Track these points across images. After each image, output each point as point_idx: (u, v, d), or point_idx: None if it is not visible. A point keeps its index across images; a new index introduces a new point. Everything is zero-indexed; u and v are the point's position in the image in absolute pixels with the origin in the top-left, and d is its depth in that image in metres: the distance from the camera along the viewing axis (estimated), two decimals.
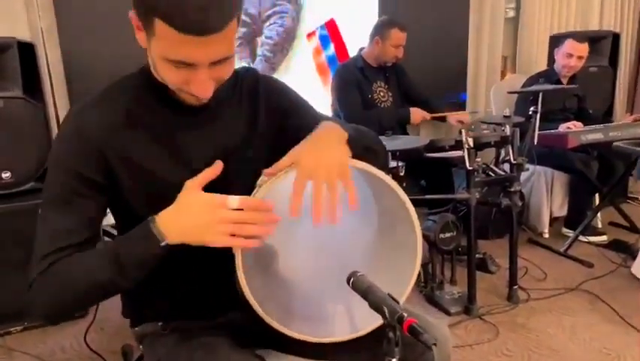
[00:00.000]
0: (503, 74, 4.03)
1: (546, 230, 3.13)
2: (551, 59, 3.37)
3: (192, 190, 0.83)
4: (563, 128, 2.98)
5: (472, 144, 2.16)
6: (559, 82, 3.21)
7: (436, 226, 2.26)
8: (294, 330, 0.86)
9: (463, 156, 2.17)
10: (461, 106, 3.75)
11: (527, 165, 2.40)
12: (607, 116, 3.65)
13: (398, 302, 0.74)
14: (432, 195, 2.50)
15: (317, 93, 3.44)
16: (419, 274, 2.43)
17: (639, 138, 2.69)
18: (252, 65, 3.29)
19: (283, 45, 3.37)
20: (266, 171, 0.86)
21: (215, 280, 0.96)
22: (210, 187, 0.84)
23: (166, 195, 0.83)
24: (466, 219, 2.24)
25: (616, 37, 3.75)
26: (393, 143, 2.26)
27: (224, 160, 0.90)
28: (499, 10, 3.80)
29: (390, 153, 2.24)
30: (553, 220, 3.20)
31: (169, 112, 0.94)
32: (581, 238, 2.95)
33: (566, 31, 3.80)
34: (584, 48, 3.13)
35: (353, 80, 2.93)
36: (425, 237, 2.30)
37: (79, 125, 0.88)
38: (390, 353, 0.73)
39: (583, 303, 2.34)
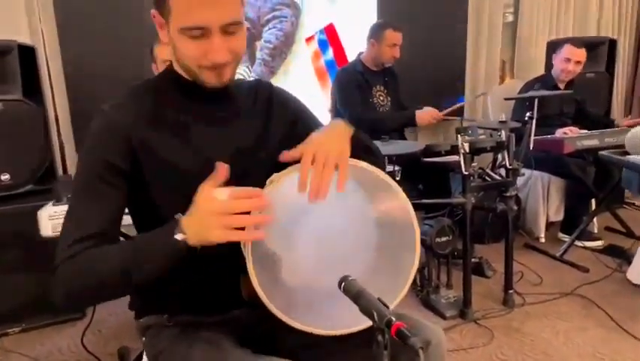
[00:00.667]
0: (502, 79, 4.05)
1: (542, 235, 3.15)
2: (549, 65, 3.39)
3: (200, 190, 0.86)
4: (559, 133, 3.00)
5: (468, 149, 2.17)
6: (556, 87, 3.22)
7: (432, 230, 2.28)
8: (297, 321, 0.89)
9: (460, 161, 2.19)
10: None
11: (523, 170, 2.41)
12: (607, 116, 3.66)
13: (387, 306, 0.76)
14: (428, 199, 2.52)
15: (315, 97, 3.46)
16: (415, 278, 2.47)
17: None
18: (250, 69, 3.32)
19: (282, 49, 3.39)
20: (281, 157, 0.93)
21: (222, 277, 1.00)
22: (222, 184, 0.88)
23: (185, 187, 0.88)
24: (462, 224, 2.26)
25: (613, 44, 3.77)
26: (389, 148, 2.27)
27: (238, 159, 0.99)
28: (498, 15, 3.82)
29: (386, 158, 2.26)
30: (549, 225, 3.22)
31: (191, 108, 1.01)
32: (577, 242, 2.97)
33: (564, 37, 3.83)
34: (581, 53, 3.16)
35: (354, 82, 2.95)
36: (421, 241, 2.31)
37: (108, 119, 0.95)
38: (379, 356, 0.74)
39: (578, 308, 2.35)
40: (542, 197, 3.15)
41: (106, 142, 0.94)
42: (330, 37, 3.50)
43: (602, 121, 3.33)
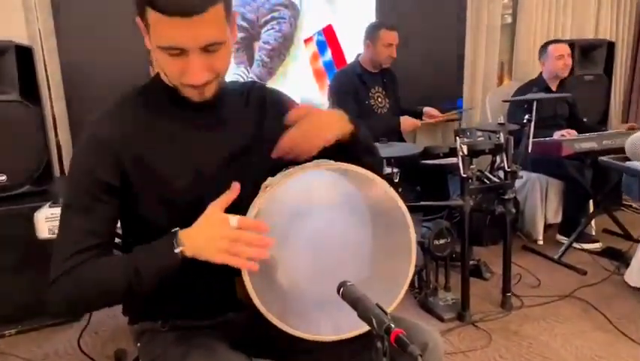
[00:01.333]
0: (500, 80, 4.05)
1: (540, 237, 3.14)
2: None
3: (210, 209, 0.88)
4: (557, 135, 3.01)
5: (466, 152, 2.17)
6: (548, 89, 3.28)
7: (430, 233, 2.27)
8: (289, 326, 0.89)
9: (458, 163, 2.19)
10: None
11: (521, 173, 2.41)
12: (601, 124, 3.67)
13: (386, 313, 0.75)
14: (427, 201, 2.52)
15: (314, 98, 3.45)
16: (413, 280, 2.47)
17: None
18: (249, 70, 3.32)
19: (281, 50, 3.39)
20: (273, 153, 0.96)
21: (217, 279, 0.99)
22: (216, 191, 0.89)
23: (175, 197, 0.89)
24: (461, 226, 2.26)
25: (611, 46, 3.78)
26: (388, 150, 2.27)
27: (230, 164, 0.98)
28: (496, 16, 3.82)
29: (385, 160, 2.26)
30: (547, 227, 3.22)
31: (180, 118, 0.99)
32: (575, 245, 2.97)
33: (562, 39, 3.83)
34: (566, 46, 3.28)
35: (350, 88, 2.95)
36: (420, 243, 2.32)
37: (95, 133, 0.94)
38: None
39: (576, 310, 2.35)
40: (540, 199, 3.15)
41: (94, 158, 0.93)
42: (328, 38, 3.50)
43: (595, 130, 3.34)
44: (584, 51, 3.64)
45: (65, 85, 2.72)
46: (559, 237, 3.14)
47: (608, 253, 2.90)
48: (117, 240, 1.00)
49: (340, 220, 1.00)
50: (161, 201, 0.94)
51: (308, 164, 0.95)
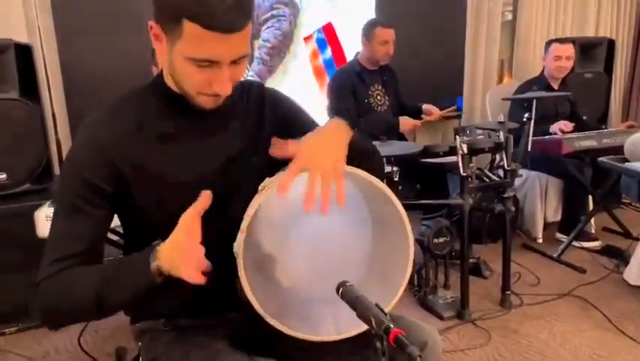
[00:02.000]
0: (500, 78, 4.05)
1: (540, 235, 3.15)
2: None
3: (183, 221, 0.86)
4: (553, 128, 3.01)
5: (466, 150, 2.17)
6: (549, 87, 3.27)
7: (430, 231, 2.28)
8: (287, 327, 0.89)
9: (458, 162, 2.19)
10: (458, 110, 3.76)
11: (521, 171, 2.41)
12: (601, 122, 3.67)
13: (385, 313, 0.75)
14: (426, 200, 2.52)
15: (314, 96, 3.46)
16: (413, 279, 2.48)
17: None
18: (249, 68, 3.31)
19: (280, 48, 3.38)
20: (272, 150, 0.95)
21: (218, 278, 0.98)
22: (216, 192, 0.89)
23: (176, 199, 0.88)
24: (460, 224, 2.26)
25: (611, 44, 3.77)
26: (388, 148, 2.27)
27: (230, 165, 0.98)
28: (497, 14, 3.82)
29: (385, 159, 2.26)
30: (546, 225, 3.22)
31: (179, 120, 0.99)
32: (575, 243, 2.97)
33: (563, 37, 3.83)
34: (569, 48, 3.23)
35: (349, 86, 2.95)
36: (419, 241, 2.32)
37: (91, 135, 0.93)
38: None
39: (575, 309, 2.36)
40: (540, 198, 3.15)
41: (88, 161, 0.92)
42: (328, 36, 3.50)
43: (594, 128, 3.33)
44: (584, 49, 3.64)
45: (65, 83, 2.72)
46: (558, 235, 3.14)
47: (608, 251, 2.91)
48: (118, 239, 1.01)
49: (339, 221, 1.00)
50: (160, 204, 0.94)
51: None
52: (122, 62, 2.71)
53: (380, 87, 3.07)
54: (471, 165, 2.22)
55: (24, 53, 2.19)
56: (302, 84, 3.45)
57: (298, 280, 1.00)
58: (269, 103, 1.10)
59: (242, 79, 0.94)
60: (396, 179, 2.28)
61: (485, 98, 3.60)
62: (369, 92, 3.01)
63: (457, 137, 2.21)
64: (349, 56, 3.36)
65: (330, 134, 0.97)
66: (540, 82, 3.28)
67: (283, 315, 0.90)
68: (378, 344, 0.74)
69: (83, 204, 0.90)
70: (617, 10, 4.23)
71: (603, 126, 3.53)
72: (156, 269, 0.84)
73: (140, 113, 0.97)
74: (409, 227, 0.92)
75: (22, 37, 2.43)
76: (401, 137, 3.03)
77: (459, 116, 3.67)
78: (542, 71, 3.36)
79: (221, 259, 0.88)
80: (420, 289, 2.43)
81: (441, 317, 2.27)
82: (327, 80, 3.34)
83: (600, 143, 2.81)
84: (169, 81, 0.98)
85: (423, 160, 2.56)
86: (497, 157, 2.64)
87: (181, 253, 0.84)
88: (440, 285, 2.43)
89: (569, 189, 3.09)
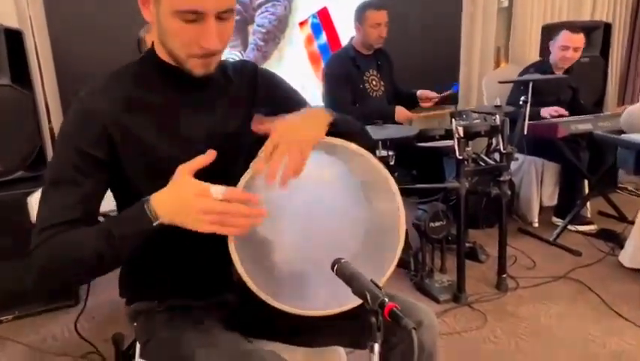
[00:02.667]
0: (497, 64, 4.03)
1: (536, 219, 3.16)
2: (544, 50, 3.36)
3: (183, 175, 0.86)
4: (544, 112, 2.98)
5: (462, 134, 2.17)
6: (551, 73, 3.19)
7: (426, 215, 2.28)
8: (282, 303, 0.89)
9: (454, 146, 2.18)
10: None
11: (517, 155, 2.41)
12: (597, 106, 3.66)
13: (380, 288, 0.75)
14: (422, 184, 2.51)
15: (309, 81, 3.43)
16: (409, 263, 2.48)
17: None
18: (243, 54, 3.28)
19: (275, 34, 3.35)
20: (252, 125, 0.96)
21: (211, 260, 1.00)
22: (209, 167, 0.88)
23: (166, 171, 0.87)
24: (456, 209, 2.26)
25: (608, 28, 3.75)
26: (383, 132, 2.26)
27: (222, 141, 0.98)
28: (493, 0, 3.79)
29: (380, 142, 2.25)
30: (542, 210, 3.23)
31: (172, 93, 0.99)
32: (570, 227, 2.98)
33: (558, 21, 3.80)
34: (579, 39, 3.09)
35: (343, 73, 2.92)
36: (415, 226, 2.32)
37: (85, 107, 0.94)
38: (372, 337, 0.74)
39: (570, 291, 2.37)
40: (536, 182, 3.15)
41: (81, 131, 0.92)
42: (323, 21, 3.47)
43: (593, 112, 3.31)
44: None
45: (57, 69, 2.69)
46: (554, 219, 3.15)
47: (603, 234, 2.92)
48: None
49: (330, 195, 1.01)
50: (151, 174, 0.94)
51: None
52: (114, 47, 2.67)
53: (375, 72, 3.04)
54: (467, 148, 2.21)
55: (14, 38, 2.16)
56: (297, 70, 3.42)
57: (290, 257, 1.00)
58: (261, 83, 1.11)
59: (228, 41, 0.94)
60: (392, 163, 2.27)
61: (481, 85, 3.59)
62: (364, 78, 2.99)
63: (453, 120, 2.21)
64: (344, 41, 3.32)
65: (307, 115, 0.98)
66: (542, 67, 3.19)
67: (278, 293, 0.90)
68: (373, 320, 0.74)
69: (77, 173, 0.90)
70: None
71: (599, 110, 3.52)
72: (154, 219, 0.84)
73: (131, 86, 0.97)
74: (397, 191, 0.93)
75: (12, 23, 2.39)
76: (396, 122, 3.01)
77: (455, 102, 3.65)
78: (547, 56, 3.24)
79: (215, 238, 0.87)
80: (416, 273, 2.44)
81: (437, 301, 2.28)
82: (323, 65, 3.31)
83: (596, 126, 2.81)
84: (160, 52, 0.98)
85: (419, 144, 2.55)
86: (493, 141, 2.63)
87: (186, 210, 0.84)
88: (436, 269, 2.44)
89: (565, 174, 3.09)
